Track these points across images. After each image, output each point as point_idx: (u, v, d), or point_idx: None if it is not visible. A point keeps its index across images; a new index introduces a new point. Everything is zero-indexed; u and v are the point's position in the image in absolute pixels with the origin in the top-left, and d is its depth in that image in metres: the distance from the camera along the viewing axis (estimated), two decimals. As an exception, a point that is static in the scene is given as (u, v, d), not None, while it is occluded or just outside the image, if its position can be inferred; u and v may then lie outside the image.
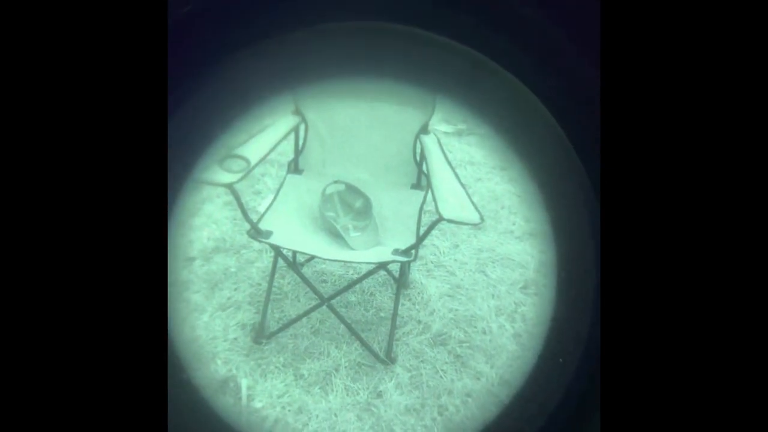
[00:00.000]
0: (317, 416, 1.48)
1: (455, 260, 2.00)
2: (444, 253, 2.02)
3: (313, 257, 1.86)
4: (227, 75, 0.66)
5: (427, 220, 1.62)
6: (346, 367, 1.61)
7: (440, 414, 1.52)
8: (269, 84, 0.74)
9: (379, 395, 1.55)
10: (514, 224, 2.16)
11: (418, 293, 1.86)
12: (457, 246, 2.05)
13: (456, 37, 0.64)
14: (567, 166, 0.68)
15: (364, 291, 1.85)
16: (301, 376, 1.58)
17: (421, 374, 1.61)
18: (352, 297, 1.82)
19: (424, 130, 1.68)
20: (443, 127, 2.64)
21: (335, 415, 1.49)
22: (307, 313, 1.68)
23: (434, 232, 1.48)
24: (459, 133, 2.68)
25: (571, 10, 0.60)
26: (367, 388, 1.56)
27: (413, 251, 1.51)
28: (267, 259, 1.93)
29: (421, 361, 1.64)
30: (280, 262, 1.65)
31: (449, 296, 1.86)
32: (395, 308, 1.62)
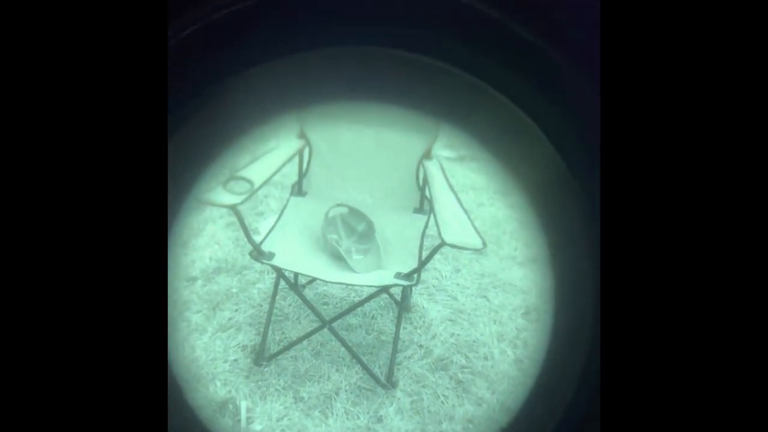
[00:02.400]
0: (317, 440, 1.48)
1: (457, 284, 2.00)
2: (446, 277, 2.02)
3: (315, 279, 1.86)
4: (231, 95, 0.67)
5: (429, 244, 1.62)
6: (346, 390, 1.60)
7: (441, 440, 1.51)
8: (272, 105, 0.75)
9: (380, 420, 1.54)
10: (515, 249, 2.17)
11: (420, 317, 1.86)
12: (458, 270, 2.05)
13: (457, 63, 0.65)
14: (565, 192, 0.68)
15: (365, 314, 1.84)
16: (301, 399, 1.57)
17: (422, 399, 1.60)
18: (353, 320, 1.81)
19: (427, 155, 1.70)
20: (446, 153, 2.66)
21: (335, 439, 1.48)
22: (308, 335, 1.68)
23: (436, 256, 1.49)
24: (461, 159, 2.69)
25: (571, 35, 0.61)
26: (368, 413, 1.55)
27: (415, 275, 1.51)
28: (269, 280, 1.93)
29: (423, 386, 1.63)
30: (282, 283, 1.65)
31: (451, 321, 1.85)
32: (396, 332, 1.62)
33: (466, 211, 1.44)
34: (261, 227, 2.18)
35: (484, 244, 1.32)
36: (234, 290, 1.94)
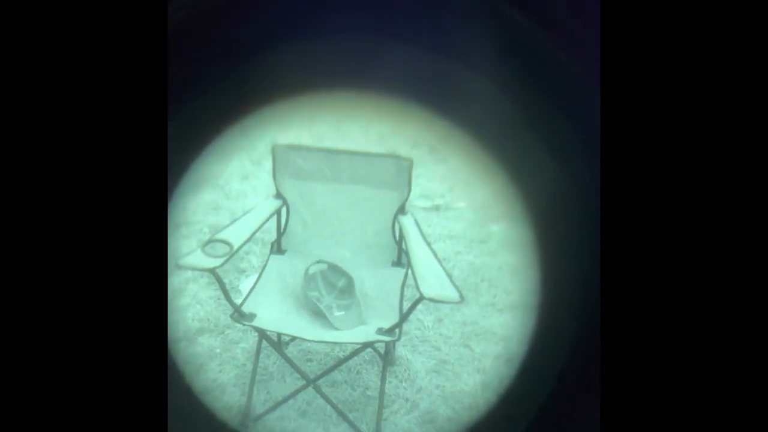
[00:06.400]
0: (305, 504, 1.46)
1: (440, 334, 2.00)
2: (428, 327, 2.03)
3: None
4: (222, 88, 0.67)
5: (409, 294, 1.64)
6: (334, 450, 1.59)
7: (430, 496, 1.49)
8: (260, 96, 0.74)
9: (368, 479, 1.52)
10: (495, 297, 2.19)
11: (405, 369, 1.86)
12: (441, 320, 2.06)
13: (469, 66, 0.66)
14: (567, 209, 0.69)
15: (350, 369, 1.84)
16: (289, 461, 1.56)
17: (410, 455, 1.59)
18: (338, 376, 1.81)
19: (402, 210, 1.73)
20: (422, 203, 2.70)
21: (323, 502, 1.46)
22: (293, 394, 1.67)
23: (419, 306, 1.50)
24: (437, 208, 2.73)
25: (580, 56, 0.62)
26: (356, 472, 1.53)
27: (397, 330, 1.52)
28: (252, 338, 1.92)
29: (410, 441, 1.63)
30: (265, 342, 1.66)
31: (435, 372, 1.86)
32: (382, 387, 1.62)
33: (442, 265, 1.47)
34: (242, 286, 2.19)
35: (462, 298, 1.34)
36: (217, 350, 1.93)
